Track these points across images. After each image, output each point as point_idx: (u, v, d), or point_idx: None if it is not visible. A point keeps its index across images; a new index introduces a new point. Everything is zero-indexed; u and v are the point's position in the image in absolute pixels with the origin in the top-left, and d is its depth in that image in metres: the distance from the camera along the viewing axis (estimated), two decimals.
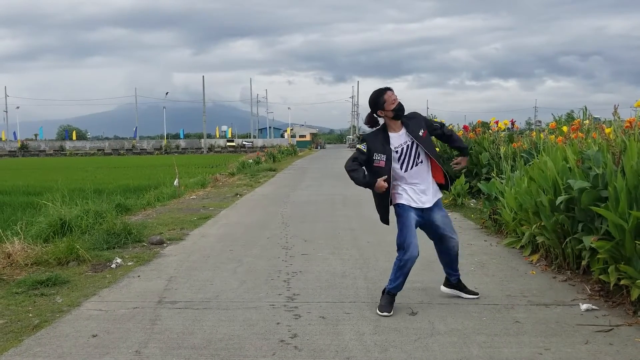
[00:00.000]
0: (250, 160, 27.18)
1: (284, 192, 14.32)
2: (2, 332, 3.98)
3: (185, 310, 4.40)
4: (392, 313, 4.19)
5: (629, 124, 5.18)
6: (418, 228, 4.28)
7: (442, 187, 4.36)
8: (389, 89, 4.21)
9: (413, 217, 4.19)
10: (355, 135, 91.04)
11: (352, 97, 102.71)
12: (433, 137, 4.43)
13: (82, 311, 4.43)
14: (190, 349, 3.61)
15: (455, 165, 4.57)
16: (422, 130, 4.23)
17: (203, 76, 77.23)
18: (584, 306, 4.28)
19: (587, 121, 6.75)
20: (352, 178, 4.25)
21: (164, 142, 78.85)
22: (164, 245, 7.09)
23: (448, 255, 4.44)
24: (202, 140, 78.04)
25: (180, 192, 13.89)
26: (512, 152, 8.78)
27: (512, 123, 11.11)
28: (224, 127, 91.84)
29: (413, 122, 4.24)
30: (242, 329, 3.95)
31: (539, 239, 5.71)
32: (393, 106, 4.14)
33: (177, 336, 3.83)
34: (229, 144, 77.31)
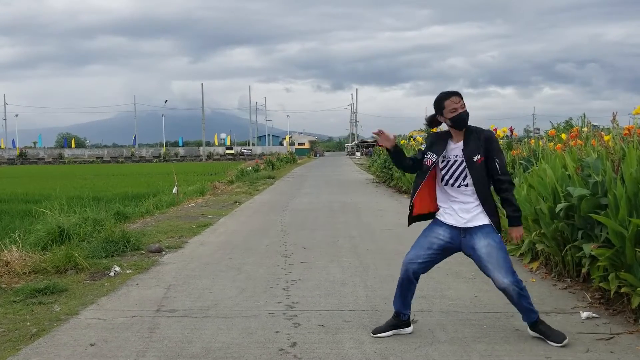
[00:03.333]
0: (249, 168, 27.18)
1: (283, 199, 14.30)
2: None
3: (183, 319, 4.37)
4: (382, 335, 3.92)
5: (627, 132, 5.18)
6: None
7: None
8: (455, 93, 3.73)
9: (438, 233, 3.78)
10: (354, 142, 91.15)
11: (351, 104, 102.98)
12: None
13: (80, 320, 4.40)
14: (189, 357, 3.58)
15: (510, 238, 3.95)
16: (479, 156, 3.66)
17: (202, 84, 77.50)
18: (584, 314, 4.26)
19: (585, 128, 6.76)
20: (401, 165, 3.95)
21: (163, 149, 78.91)
22: (163, 253, 7.06)
23: (508, 299, 3.76)
24: (201, 147, 78.12)
25: (179, 199, 13.87)
26: (511, 160, 8.78)
27: (511, 130, 11.13)
28: (223, 135, 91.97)
29: (476, 141, 3.69)
30: (241, 338, 3.93)
31: (539, 247, 5.70)
32: (451, 115, 3.68)
33: (175, 345, 3.80)
34: (227, 151, 77.40)
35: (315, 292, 5.10)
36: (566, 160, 5.42)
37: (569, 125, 13.33)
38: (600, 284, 4.48)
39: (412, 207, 3.93)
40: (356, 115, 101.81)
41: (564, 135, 6.60)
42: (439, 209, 3.86)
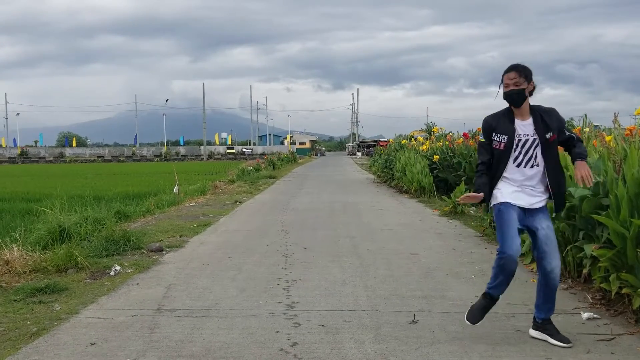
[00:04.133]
0: (250, 168, 27.18)
1: (284, 199, 14.30)
2: None
3: (184, 318, 4.37)
4: (477, 324, 3.84)
5: (629, 132, 5.17)
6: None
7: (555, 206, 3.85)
8: (514, 68, 3.65)
9: (514, 216, 3.66)
10: (355, 142, 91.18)
11: (352, 104, 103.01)
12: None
13: (81, 319, 4.40)
14: (189, 357, 3.58)
15: (579, 180, 3.73)
16: (551, 134, 3.64)
17: (203, 83, 77.55)
18: (585, 315, 4.25)
19: (587, 129, 6.75)
20: (475, 183, 3.85)
21: (164, 149, 78.97)
22: (163, 252, 7.06)
23: (543, 284, 3.80)
24: (202, 147, 78.18)
25: (179, 199, 13.87)
26: None
27: None
28: (224, 134, 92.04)
29: (546, 118, 3.66)
30: (241, 337, 3.92)
31: None
32: (504, 90, 3.66)
33: (175, 344, 3.80)
34: (228, 151, 77.45)
35: (316, 292, 5.09)
36: (567, 160, 5.41)
37: (570, 125, 13.33)
38: (601, 285, 4.47)
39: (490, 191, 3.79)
40: (357, 115, 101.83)
41: None
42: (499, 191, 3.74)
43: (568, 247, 5.12)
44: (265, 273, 5.88)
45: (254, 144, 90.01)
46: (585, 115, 7.57)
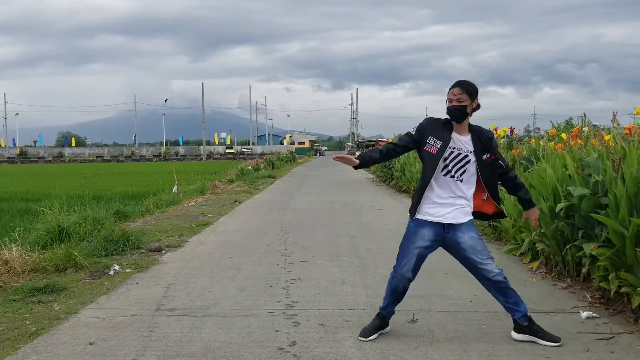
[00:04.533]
0: (249, 167, 27.17)
1: (283, 199, 14.29)
2: None
3: (183, 318, 4.37)
4: (369, 338, 3.83)
5: (628, 131, 5.17)
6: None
7: (492, 216, 3.92)
8: (459, 84, 3.66)
9: (424, 235, 3.70)
10: (354, 142, 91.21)
11: (351, 104, 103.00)
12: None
13: (80, 318, 4.39)
14: (189, 356, 3.58)
15: (530, 223, 4.01)
16: (488, 155, 3.69)
17: (202, 83, 77.48)
18: (584, 314, 4.26)
19: (586, 128, 6.75)
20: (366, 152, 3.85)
21: (163, 148, 78.96)
22: (163, 252, 7.06)
23: (494, 289, 3.76)
24: (201, 147, 78.16)
25: (179, 199, 13.87)
26: (511, 159, 8.77)
27: (511, 130, 11.12)
28: (223, 134, 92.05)
29: (484, 140, 3.69)
30: (241, 337, 3.92)
31: (539, 246, 5.69)
32: (448, 104, 3.66)
33: (175, 344, 3.80)
34: (228, 150, 77.43)
35: (315, 292, 5.09)
36: (566, 159, 5.41)
37: (569, 125, 13.32)
38: (601, 284, 4.47)
39: (420, 198, 3.77)
40: (356, 114, 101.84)
41: (564, 135, 6.59)
42: (421, 202, 3.73)
43: (567, 246, 5.12)
44: (264, 272, 5.87)
45: (253, 144, 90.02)
46: (584, 114, 7.57)
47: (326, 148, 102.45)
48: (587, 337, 3.81)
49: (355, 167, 3.84)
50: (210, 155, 74.83)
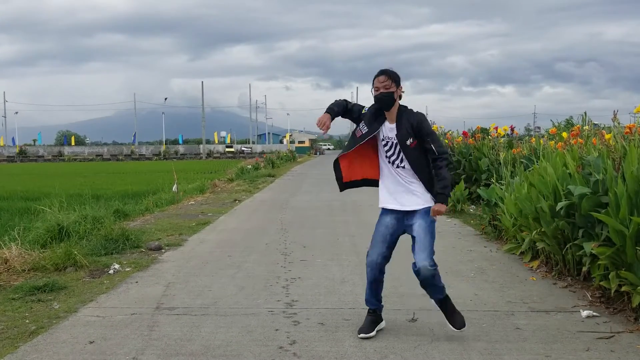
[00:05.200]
0: (249, 166, 27.16)
1: (283, 197, 14.29)
2: None
3: (183, 317, 4.36)
4: (369, 335, 3.83)
5: (628, 130, 5.17)
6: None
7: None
8: (384, 72, 3.71)
9: (386, 222, 3.83)
10: None
11: None
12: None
13: (79, 317, 4.39)
14: (188, 355, 3.57)
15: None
16: (411, 140, 3.69)
17: (202, 82, 77.34)
18: (584, 313, 4.25)
19: (586, 127, 6.75)
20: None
21: (163, 147, 78.89)
22: (162, 251, 7.05)
23: (420, 278, 3.78)
24: (201, 145, 78.07)
25: (178, 197, 13.86)
26: (511, 158, 8.77)
27: (512, 129, 11.11)
28: (223, 133, 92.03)
29: (407, 124, 3.70)
30: (241, 336, 3.92)
31: (539, 245, 5.69)
32: (375, 93, 3.73)
33: (175, 342, 3.79)
34: (227, 149, 77.37)
35: (315, 291, 5.09)
36: (567, 158, 5.41)
37: (569, 123, 13.31)
38: (601, 283, 4.47)
39: (339, 172, 3.98)
40: None
41: (564, 134, 6.58)
42: (379, 187, 3.89)
43: (567, 245, 5.12)
44: (264, 271, 5.87)
45: (253, 143, 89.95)
46: (585, 113, 7.56)
47: (331, 147, 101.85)
48: (588, 336, 3.81)
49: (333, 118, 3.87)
50: (210, 154, 74.76)
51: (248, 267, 6.07)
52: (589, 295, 4.70)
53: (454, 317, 3.82)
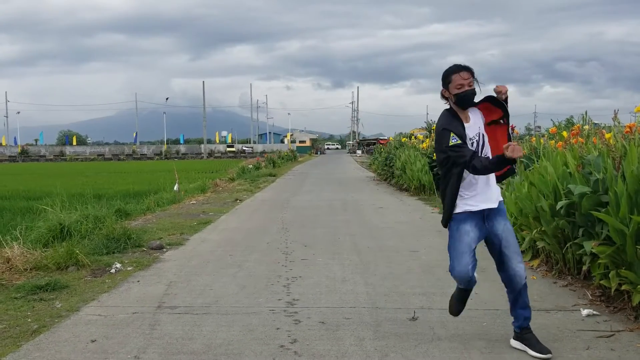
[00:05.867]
0: (250, 166, 27.18)
1: (284, 197, 14.30)
2: (0, 337, 3.96)
3: (184, 316, 4.38)
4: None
5: (629, 129, 5.17)
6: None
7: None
8: (466, 68, 3.45)
9: (468, 229, 3.49)
10: (355, 140, 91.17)
11: (352, 102, 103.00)
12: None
13: (81, 316, 4.41)
14: (190, 354, 3.59)
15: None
16: (483, 120, 3.56)
17: (203, 82, 77.43)
18: (585, 312, 4.26)
19: (587, 126, 6.75)
20: (475, 169, 3.33)
21: (164, 147, 78.94)
22: (164, 250, 7.07)
23: (511, 288, 3.64)
24: (202, 145, 78.12)
25: (180, 197, 13.88)
26: None
27: (512, 128, 11.12)
28: (224, 133, 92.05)
29: (475, 117, 3.54)
30: (242, 334, 3.93)
31: (540, 244, 5.69)
32: (456, 91, 3.43)
33: (176, 341, 3.81)
34: (229, 149, 77.40)
35: (316, 289, 5.10)
36: (567, 157, 5.41)
37: (570, 123, 13.31)
38: (601, 282, 4.48)
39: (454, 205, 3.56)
40: (357, 113, 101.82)
41: (565, 133, 6.59)
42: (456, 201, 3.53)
43: (568, 244, 5.13)
44: (265, 270, 5.89)
45: (254, 142, 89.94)
46: (586, 112, 7.56)
47: (339, 146, 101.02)
48: (588, 335, 3.82)
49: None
50: (211, 154, 74.81)
51: (249, 266, 6.09)
52: (589, 294, 4.71)
53: (538, 346, 3.50)
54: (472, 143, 3.50)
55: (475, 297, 4.79)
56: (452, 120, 3.49)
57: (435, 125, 3.76)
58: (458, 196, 3.52)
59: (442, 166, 3.54)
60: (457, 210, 3.54)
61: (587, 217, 4.67)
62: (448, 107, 3.58)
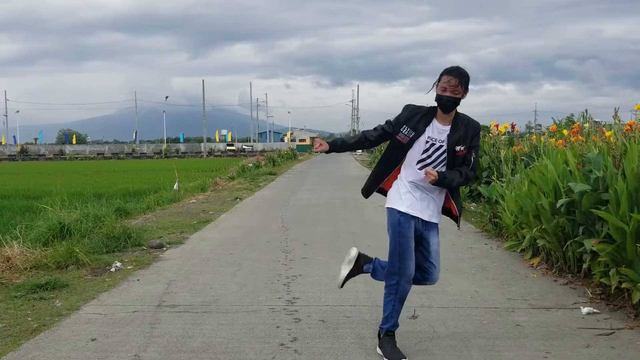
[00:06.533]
0: (250, 164, 27.16)
1: (284, 195, 14.30)
2: (0, 335, 3.96)
3: (184, 314, 4.38)
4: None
5: (629, 127, 5.17)
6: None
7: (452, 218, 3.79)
8: (458, 75, 3.38)
9: (409, 232, 3.48)
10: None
11: (352, 100, 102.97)
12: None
13: (81, 315, 4.41)
14: (190, 352, 3.59)
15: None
16: (462, 148, 3.45)
17: (203, 80, 77.34)
18: (585, 309, 4.26)
19: (587, 124, 6.75)
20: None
21: (164, 146, 78.90)
22: (164, 249, 7.07)
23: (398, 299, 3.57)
24: (202, 144, 78.09)
25: (180, 196, 13.87)
26: (512, 156, 8.77)
27: (512, 126, 11.11)
28: (224, 131, 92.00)
29: (464, 131, 3.45)
30: (242, 333, 3.93)
31: (540, 242, 5.69)
32: (439, 92, 3.40)
33: (176, 340, 3.81)
34: (228, 148, 77.37)
35: (316, 288, 5.10)
36: (567, 155, 5.41)
37: (570, 121, 13.31)
38: (601, 280, 4.48)
39: (377, 184, 3.69)
40: (357, 111, 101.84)
41: (565, 131, 6.59)
42: (400, 193, 3.52)
43: (568, 242, 5.13)
44: (265, 269, 5.88)
45: (254, 141, 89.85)
46: (586, 110, 7.56)
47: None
48: (588, 333, 3.82)
49: (327, 152, 3.65)
50: (211, 153, 74.78)
51: (249, 265, 6.08)
52: (589, 292, 4.71)
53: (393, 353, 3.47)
54: (431, 143, 3.45)
55: (475, 295, 4.79)
56: (418, 110, 3.51)
57: None
58: None
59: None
60: None
61: (588, 215, 4.67)
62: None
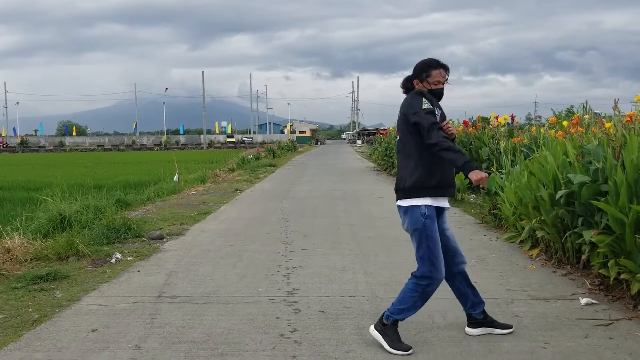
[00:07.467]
0: (250, 156, 27.14)
1: (284, 187, 14.31)
2: (1, 326, 3.98)
3: (185, 305, 4.40)
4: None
5: (629, 119, 5.16)
6: None
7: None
8: (444, 66, 3.50)
9: (435, 228, 3.52)
10: (355, 130, 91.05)
11: (352, 92, 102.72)
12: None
13: (82, 306, 4.42)
14: (190, 343, 3.61)
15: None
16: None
17: (203, 72, 77.04)
18: (583, 300, 4.28)
19: (587, 116, 6.74)
20: (449, 157, 3.30)
21: (164, 137, 78.82)
22: (164, 240, 7.08)
23: (464, 281, 3.74)
24: (202, 136, 78.00)
25: (180, 187, 13.88)
26: (512, 147, 8.77)
27: (512, 118, 11.10)
28: (224, 123, 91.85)
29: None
30: (242, 323, 3.95)
31: (539, 234, 5.70)
32: (433, 87, 3.51)
33: (177, 330, 3.83)
34: (228, 139, 77.28)
35: (316, 279, 5.12)
36: (567, 147, 5.41)
37: (570, 112, 13.28)
38: (600, 271, 4.49)
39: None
40: (357, 103, 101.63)
41: (565, 123, 6.58)
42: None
43: (567, 234, 5.13)
44: (265, 260, 5.90)
45: (254, 133, 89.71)
46: (586, 102, 7.54)
47: (325, 137, 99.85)
48: (586, 324, 3.83)
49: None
50: (211, 144, 74.71)
51: (249, 256, 6.10)
52: (588, 283, 4.73)
53: (501, 324, 3.71)
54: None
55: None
56: (429, 99, 3.48)
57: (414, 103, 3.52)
58: None
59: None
60: None
61: (587, 206, 4.67)
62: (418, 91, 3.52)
